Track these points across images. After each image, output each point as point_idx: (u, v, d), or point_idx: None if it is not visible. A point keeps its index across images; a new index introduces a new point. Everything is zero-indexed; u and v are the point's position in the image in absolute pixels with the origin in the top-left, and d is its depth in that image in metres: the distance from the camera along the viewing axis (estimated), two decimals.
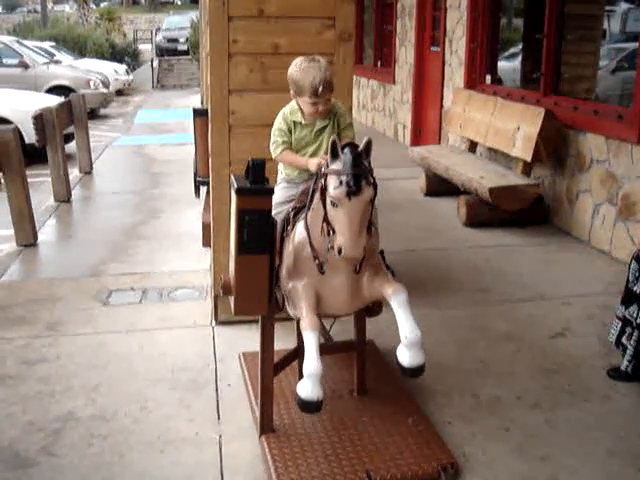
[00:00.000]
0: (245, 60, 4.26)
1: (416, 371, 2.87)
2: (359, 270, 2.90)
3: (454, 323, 4.69)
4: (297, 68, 3.19)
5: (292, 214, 3.11)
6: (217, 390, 3.84)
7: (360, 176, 2.66)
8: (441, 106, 9.86)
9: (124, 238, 6.65)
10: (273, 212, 3.03)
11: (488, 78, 8.75)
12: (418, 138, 10.79)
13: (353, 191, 2.64)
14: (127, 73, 23.25)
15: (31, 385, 3.89)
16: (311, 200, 2.92)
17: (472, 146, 8.20)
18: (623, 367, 3.67)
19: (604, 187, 6.07)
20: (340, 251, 2.67)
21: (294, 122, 3.25)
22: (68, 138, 9.39)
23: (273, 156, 3.29)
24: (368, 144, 2.75)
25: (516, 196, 6.48)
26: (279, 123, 3.28)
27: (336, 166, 2.70)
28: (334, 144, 2.72)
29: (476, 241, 6.44)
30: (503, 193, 6.44)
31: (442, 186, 7.81)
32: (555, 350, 4.31)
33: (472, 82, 8.80)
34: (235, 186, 2.93)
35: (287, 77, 3.27)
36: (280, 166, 3.41)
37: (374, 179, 2.74)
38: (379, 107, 12.76)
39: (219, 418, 3.57)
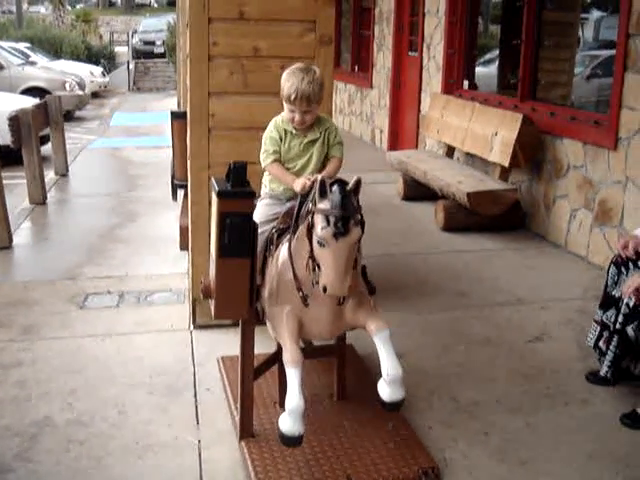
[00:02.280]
0: (225, 62, 4.24)
1: (396, 406, 2.92)
2: (343, 302, 2.90)
3: (433, 327, 4.69)
4: (287, 71, 3.19)
5: (276, 235, 3.09)
6: (196, 395, 3.81)
7: (348, 217, 2.63)
8: (418, 111, 9.89)
9: (100, 241, 6.59)
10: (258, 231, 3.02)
11: (466, 83, 8.80)
12: (395, 143, 10.82)
13: (341, 232, 2.61)
14: (103, 75, 23.10)
15: (7, 389, 3.83)
16: (296, 226, 2.89)
17: (450, 151, 8.24)
18: (603, 372, 3.69)
19: (581, 192, 6.12)
20: (325, 289, 2.66)
21: (285, 130, 3.22)
22: (43, 140, 9.29)
23: (263, 165, 3.25)
24: (357, 183, 2.71)
25: (494, 201, 6.51)
26: (271, 131, 3.24)
27: (324, 205, 2.65)
28: (323, 183, 2.68)
29: (454, 246, 6.46)
30: (481, 198, 6.47)
31: (419, 191, 7.84)
32: (533, 354, 4.32)
33: (450, 87, 8.84)
34: (216, 189, 2.91)
35: None
36: (265, 179, 3.37)
37: (362, 217, 2.71)
38: (356, 111, 12.78)
39: (198, 423, 3.54)
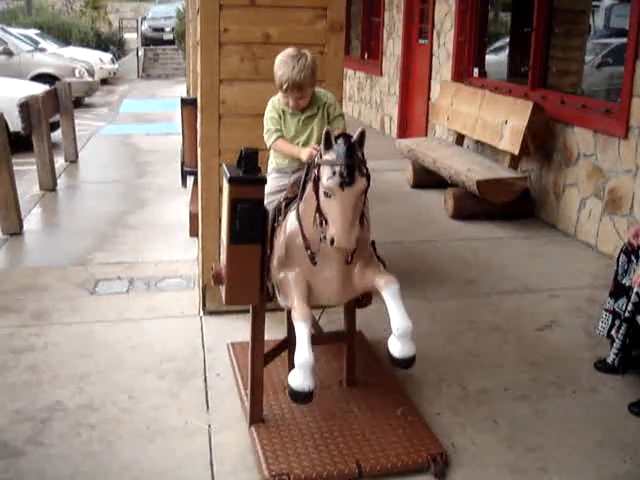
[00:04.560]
0: (236, 49, 4.23)
1: (407, 362, 2.88)
2: (351, 261, 2.90)
3: (442, 315, 4.70)
4: (279, 58, 3.22)
5: (284, 204, 3.10)
6: (206, 380, 3.83)
7: (353, 167, 2.66)
8: (428, 98, 9.86)
9: (110, 227, 6.61)
10: (265, 201, 3.02)
11: (476, 71, 8.76)
12: (405, 130, 10.80)
13: (346, 182, 2.63)
14: (112, 62, 23.06)
15: (18, 374, 3.86)
16: (303, 190, 2.92)
17: (459, 139, 8.22)
18: (610, 360, 3.69)
19: (591, 181, 6.10)
20: (332, 241, 2.67)
21: (283, 110, 3.26)
22: (53, 126, 9.30)
23: (267, 144, 3.28)
24: (362, 135, 2.74)
25: (503, 189, 6.50)
26: (270, 111, 3.29)
27: (329, 156, 2.69)
28: (328, 134, 2.71)
29: (463, 233, 6.46)
30: (490, 186, 6.46)
31: (429, 178, 7.83)
32: (542, 342, 4.33)
33: (460, 75, 8.80)
34: (227, 175, 2.92)
35: None
36: (271, 155, 3.40)
37: (367, 170, 2.73)
38: (366, 99, 12.75)
39: (208, 408, 3.57)
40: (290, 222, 2.99)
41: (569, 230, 6.43)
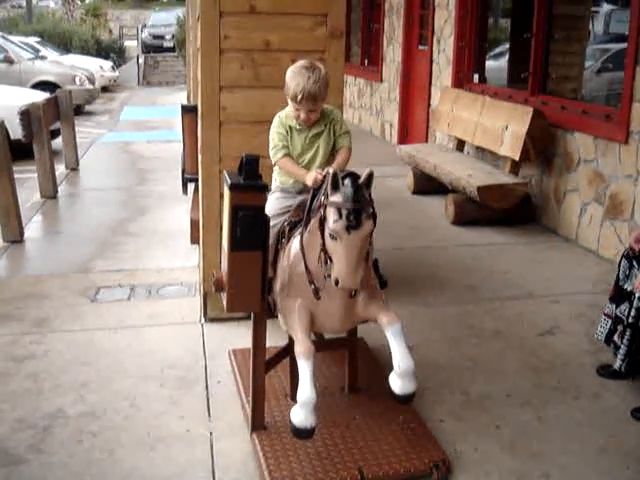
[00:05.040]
0: (236, 56, 4.24)
1: (407, 398, 2.93)
2: (354, 294, 2.90)
3: (443, 321, 4.70)
4: (292, 69, 3.19)
5: (287, 228, 3.10)
6: (207, 387, 3.82)
7: (361, 210, 2.64)
8: (428, 105, 9.87)
9: (111, 235, 6.61)
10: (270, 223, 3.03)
11: (476, 77, 8.77)
12: (405, 136, 10.81)
13: (353, 225, 2.62)
14: (113, 69, 23.11)
15: (19, 382, 3.85)
16: (307, 219, 2.90)
17: (460, 145, 8.22)
18: (616, 366, 3.68)
19: (592, 186, 6.10)
20: (337, 282, 2.66)
21: (290, 126, 3.23)
22: (54, 134, 9.32)
23: (273, 160, 3.25)
24: (369, 176, 2.72)
25: (504, 195, 6.50)
26: (277, 127, 3.25)
27: (336, 198, 2.66)
28: (335, 176, 2.68)
29: (464, 239, 6.46)
30: (491, 191, 6.46)
31: (430, 184, 7.83)
32: (544, 348, 4.32)
33: (460, 81, 8.82)
34: (228, 182, 2.92)
35: None
36: (275, 173, 3.38)
37: (374, 210, 2.72)
38: (366, 105, 12.77)
39: (209, 415, 3.56)
40: (294, 250, 2.98)
41: (570, 235, 6.42)
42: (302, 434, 2.85)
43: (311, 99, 3.09)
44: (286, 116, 3.26)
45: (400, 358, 2.84)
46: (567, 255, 6.08)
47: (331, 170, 2.78)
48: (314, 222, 2.81)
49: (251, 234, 2.90)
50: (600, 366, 3.99)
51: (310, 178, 3.00)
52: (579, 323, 4.65)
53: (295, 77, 3.12)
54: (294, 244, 3.00)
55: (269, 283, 3.11)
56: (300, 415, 2.81)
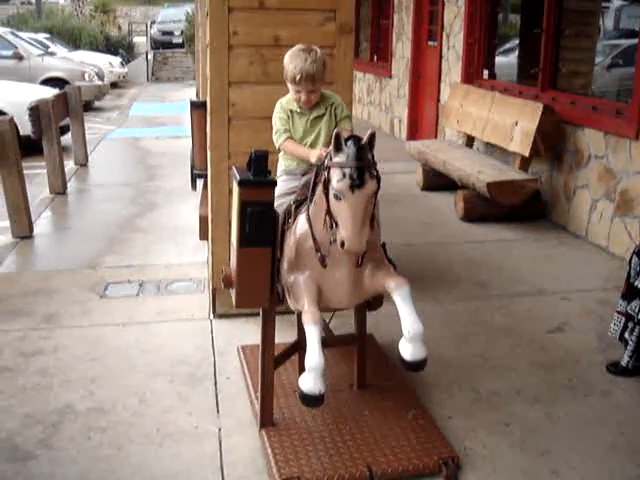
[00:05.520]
0: (245, 52, 4.23)
1: (418, 365, 2.86)
2: (361, 263, 2.88)
3: (453, 317, 4.68)
4: (289, 53, 3.24)
5: (294, 207, 3.09)
6: (216, 383, 3.82)
7: (364, 169, 2.65)
8: (438, 101, 9.84)
9: (120, 230, 6.62)
10: (275, 204, 3.02)
11: (485, 73, 8.74)
12: (414, 133, 10.78)
13: (357, 184, 2.62)
14: (122, 65, 23.14)
15: (29, 377, 3.86)
16: (313, 193, 2.91)
17: (469, 141, 8.20)
18: (624, 363, 3.66)
19: (602, 183, 6.07)
20: (343, 244, 2.66)
21: (291, 110, 3.27)
22: (63, 130, 9.33)
23: (277, 145, 3.29)
24: (372, 137, 2.73)
25: (514, 191, 6.47)
26: (278, 112, 3.31)
27: (339, 159, 2.68)
28: (338, 136, 2.70)
29: (474, 236, 6.44)
30: (501, 188, 6.43)
31: (439, 180, 7.81)
32: (554, 345, 4.30)
33: (469, 77, 8.78)
34: (237, 178, 2.91)
35: None
36: (280, 158, 3.40)
37: (377, 172, 2.72)
38: (375, 101, 12.74)
39: (218, 411, 3.56)
40: (300, 225, 2.98)
41: (580, 232, 6.39)
42: (311, 401, 2.81)
43: (310, 79, 3.13)
44: (287, 101, 3.31)
45: (410, 323, 2.79)
46: (577, 252, 6.05)
47: (335, 131, 2.78)
48: (319, 189, 2.81)
49: (260, 230, 2.89)
50: (610, 363, 3.96)
51: (314, 155, 3.03)
52: (589, 320, 4.63)
53: (293, 59, 3.17)
54: (300, 220, 3.00)
55: (277, 268, 3.09)
56: (309, 381, 2.78)
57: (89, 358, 4.09)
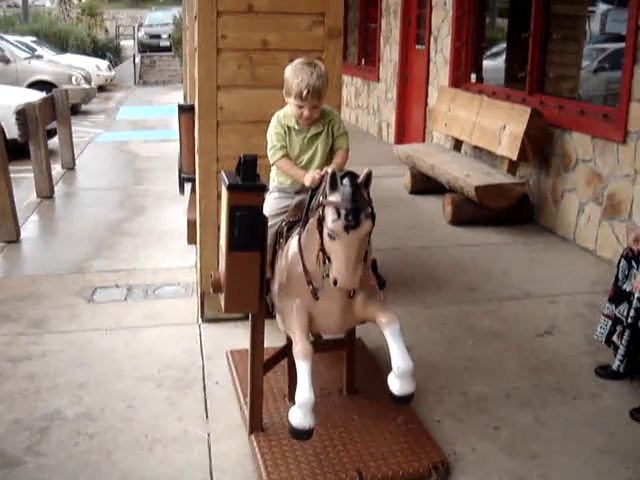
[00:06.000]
0: (234, 56, 4.22)
1: (406, 399, 2.90)
2: (353, 294, 2.88)
3: (442, 321, 4.68)
4: (292, 67, 3.17)
5: (285, 228, 3.07)
6: (205, 388, 3.81)
7: (359, 209, 2.61)
8: (426, 104, 9.86)
9: (108, 235, 6.59)
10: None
11: (473, 77, 8.76)
12: (402, 136, 10.79)
13: (352, 225, 2.59)
14: (109, 69, 23.08)
15: (16, 383, 3.83)
16: (305, 219, 2.87)
17: (457, 144, 8.21)
18: (615, 367, 3.67)
19: (589, 186, 6.09)
20: (336, 282, 2.64)
21: (288, 127, 3.21)
22: (50, 133, 9.29)
23: (271, 161, 3.22)
24: (368, 175, 2.69)
25: (502, 194, 6.49)
26: (275, 127, 3.22)
27: (335, 198, 2.63)
28: (333, 175, 2.66)
29: (462, 239, 6.45)
30: (489, 191, 6.44)
31: (427, 184, 7.82)
32: (543, 348, 4.31)
33: (457, 81, 8.80)
34: (226, 182, 2.90)
35: None
36: (272, 173, 3.35)
37: (373, 209, 2.69)
38: (363, 105, 12.75)
39: (207, 417, 3.54)
40: (291, 250, 2.96)
41: (568, 235, 6.42)
42: (301, 435, 2.82)
43: (316, 94, 3.07)
44: (284, 116, 3.24)
45: (399, 359, 2.82)
46: (565, 255, 6.07)
47: (329, 170, 2.77)
48: (312, 222, 2.79)
49: (249, 234, 2.89)
50: (599, 366, 3.98)
51: (308, 178, 2.98)
52: (577, 323, 4.64)
53: (298, 74, 3.08)
54: (292, 244, 2.98)
55: (267, 284, 3.10)
56: (298, 416, 2.79)
57: (77, 363, 4.07)
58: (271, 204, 3.27)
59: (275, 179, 3.35)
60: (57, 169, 9.27)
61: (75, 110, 15.76)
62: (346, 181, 2.64)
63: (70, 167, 9.59)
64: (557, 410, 3.62)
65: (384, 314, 2.89)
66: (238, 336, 4.28)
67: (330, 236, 2.64)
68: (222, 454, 3.23)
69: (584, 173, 6.17)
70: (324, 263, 2.73)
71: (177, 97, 18.60)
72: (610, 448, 3.31)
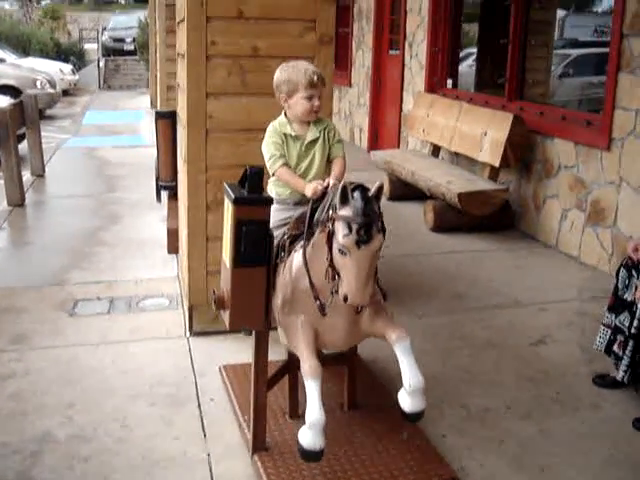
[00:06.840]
0: (223, 62, 4.11)
1: (417, 416, 2.81)
2: (361, 310, 2.80)
3: (434, 331, 4.62)
4: (285, 68, 3.14)
5: (287, 242, 2.97)
6: (199, 405, 3.68)
7: (371, 224, 2.52)
8: (400, 110, 9.83)
9: (84, 244, 6.41)
10: None
11: (449, 82, 8.75)
12: (376, 142, 10.75)
13: (363, 240, 2.50)
14: (73, 73, 22.66)
15: (2, 403, 3.67)
16: (309, 232, 2.77)
17: (435, 150, 8.19)
18: (619, 377, 3.63)
19: (572, 193, 6.09)
20: (346, 298, 2.55)
21: (285, 134, 3.12)
22: (18, 139, 9.06)
23: (271, 171, 3.11)
24: (379, 189, 2.62)
25: (484, 201, 6.47)
26: (272, 136, 3.13)
27: (346, 212, 2.53)
28: (344, 189, 2.56)
29: (445, 246, 6.41)
30: (472, 198, 6.41)
31: (406, 190, 7.78)
32: (538, 358, 4.28)
33: (433, 86, 8.79)
34: (232, 196, 2.79)
35: (274, 82, 3.17)
36: (270, 184, 3.25)
37: (383, 224, 2.62)
38: (334, 110, 12.66)
39: (205, 436, 3.42)
40: (296, 265, 2.84)
41: (550, 241, 6.41)
42: (311, 456, 2.73)
43: (322, 80, 3.09)
44: (280, 124, 3.16)
45: (411, 376, 2.73)
46: (549, 261, 6.07)
47: (331, 181, 2.70)
48: (320, 236, 2.69)
49: (255, 249, 2.79)
50: (596, 376, 3.95)
51: (310, 189, 2.88)
52: (570, 332, 4.62)
53: (296, 68, 3.09)
54: (296, 259, 2.88)
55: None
56: (308, 437, 2.69)
57: (64, 381, 3.91)
58: (271, 216, 3.17)
59: (273, 190, 3.25)
60: (27, 176, 9.03)
61: (40, 115, 15.43)
62: (357, 194, 2.55)
63: (40, 174, 9.37)
64: (560, 421, 3.58)
65: (394, 330, 2.81)
66: (228, 349, 4.19)
67: (341, 251, 2.55)
68: (226, 476, 3.11)
69: (567, 179, 6.17)
70: (333, 279, 2.64)
71: (143, 102, 18.46)
72: (617, 459, 3.28)
